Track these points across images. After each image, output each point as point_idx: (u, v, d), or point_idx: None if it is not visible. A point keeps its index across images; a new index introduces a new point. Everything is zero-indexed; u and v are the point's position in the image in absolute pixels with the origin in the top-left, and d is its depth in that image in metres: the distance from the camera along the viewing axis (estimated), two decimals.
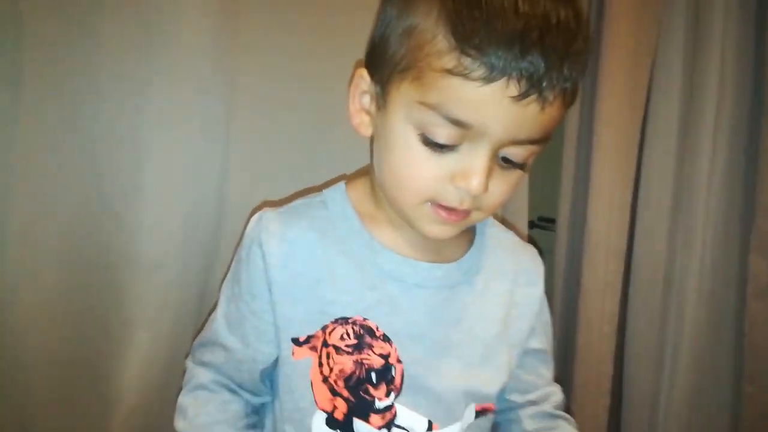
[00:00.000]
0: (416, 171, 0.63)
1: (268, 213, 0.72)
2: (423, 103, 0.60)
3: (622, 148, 1.50)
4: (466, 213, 0.65)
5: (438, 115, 0.59)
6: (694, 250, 1.49)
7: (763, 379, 1.48)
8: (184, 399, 0.75)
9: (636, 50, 1.42)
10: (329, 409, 0.68)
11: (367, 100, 0.68)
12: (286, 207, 0.74)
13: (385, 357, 0.68)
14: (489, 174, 0.61)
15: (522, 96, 0.57)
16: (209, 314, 0.75)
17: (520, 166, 0.64)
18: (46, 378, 0.81)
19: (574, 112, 1.53)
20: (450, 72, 0.57)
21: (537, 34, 0.56)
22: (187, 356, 0.78)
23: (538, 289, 0.81)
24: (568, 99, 0.62)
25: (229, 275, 0.74)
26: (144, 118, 0.86)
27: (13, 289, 0.78)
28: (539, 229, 1.68)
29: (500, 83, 0.57)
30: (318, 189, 0.75)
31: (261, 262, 0.68)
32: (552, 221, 1.67)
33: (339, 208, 0.72)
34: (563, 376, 1.60)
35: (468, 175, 0.61)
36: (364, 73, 0.68)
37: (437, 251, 0.73)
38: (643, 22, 1.42)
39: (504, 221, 1.47)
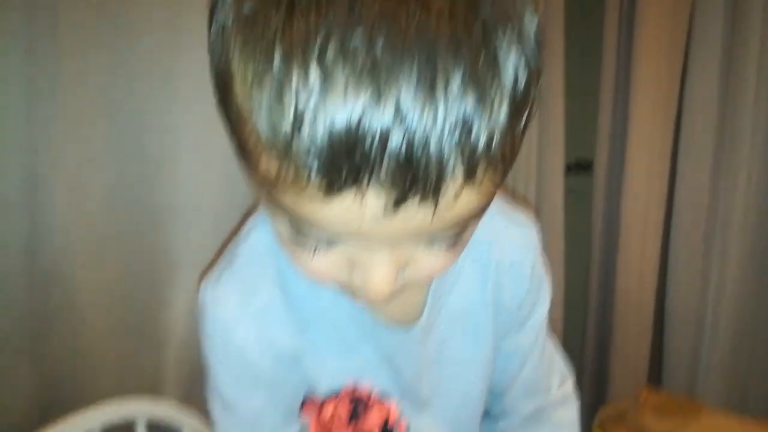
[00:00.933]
0: (302, 263, 0.44)
1: (212, 294, 0.53)
2: (272, 199, 0.39)
3: (663, 88, 1.46)
4: (387, 299, 0.44)
5: (295, 222, 0.40)
6: (737, 191, 1.46)
7: None
8: None
9: None
10: None
11: None
12: (228, 274, 0.54)
13: (385, 418, 0.58)
14: (397, 268, 0.42)
15: (391, 210, 0.35)
16: None
17: (453, 242, 0.42)
18: (101, 317, 0.84)
19: (611, 49, 1.49)
20: (276, 181, 0.36)
21: (392, 98, 0.32)
22: None
23: (524, 284, 0.61)
24: (490, 179, 0.37)
25: (210, 394, 0.58)
26: (181, 77, 0.87)
27: (67, 235, 0.81)
28: (576, 174, 1.65)
29: (349, 197, 0.35)
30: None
31: (238, 363, 0.54)
32: (590, 165, 1.65)
33: None
34: (602, 322, 1.60)
35: (365, 275, 0.42)
36: None
37: None
38: None
39: (539, 166, 1.47)
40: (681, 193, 1.51)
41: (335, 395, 0.57)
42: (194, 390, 0.95)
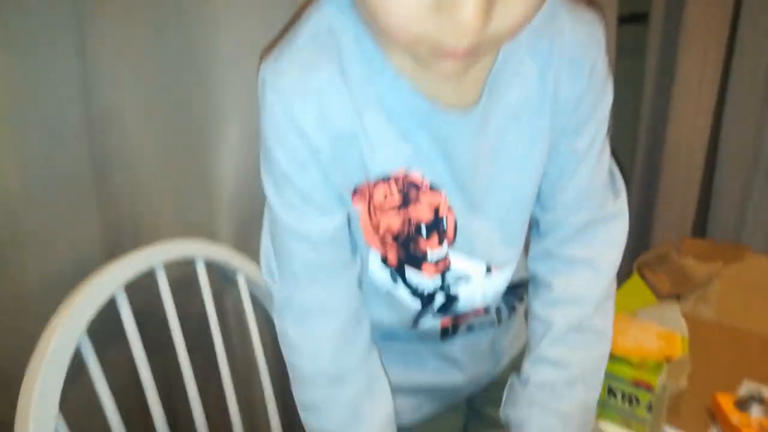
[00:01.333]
0: (387, 6, 0.44)
1: (273, 70, 0.55)
2: None
3: None
4: (473, 50, 0.45)
5: None
6: None
7: None
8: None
9: None
10: (382, 254, 0.64)
11: None
12: (289, 51, 0.55)
13: (435, 209, 0.60)
14: (488, 3, 0.41)
15: None
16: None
17: None
18: (156, 164, 0.89)
19: None
20: None
21: None
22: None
23: (581, 85, 0.60)
24: None
25: (265, 175, 0.60)
26: None
27: (119, 83, 0.84)
28: (630, 25, 1.57)
29: None
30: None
31: (295, 136, 0.55)
32: (644, 17, 1.56)
33: (352, 37, 0.54)
34: (650, 173, 1.59)
35: (455, 11, 0.41)
36: None
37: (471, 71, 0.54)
38: None
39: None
40: (742, 43, 1.43)
41: (388, 179, 0.58)
42: (246, 241, 1.01)
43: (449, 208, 0.61)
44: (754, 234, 1.47)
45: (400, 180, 0.58)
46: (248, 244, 1.01)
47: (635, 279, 0.96)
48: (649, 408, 0.71)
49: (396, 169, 0.58)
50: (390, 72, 0.54)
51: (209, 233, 0.97)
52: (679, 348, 0.74)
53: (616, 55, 1.42)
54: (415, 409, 0.79)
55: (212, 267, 0.92)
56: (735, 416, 0.69)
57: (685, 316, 0.86)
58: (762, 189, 1.45)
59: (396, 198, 0.59)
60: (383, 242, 0.63)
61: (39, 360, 0.64)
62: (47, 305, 0.71)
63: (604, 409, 0.75)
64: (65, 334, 0.67)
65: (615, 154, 0.69)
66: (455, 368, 0.78)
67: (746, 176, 1.46)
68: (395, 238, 0.62)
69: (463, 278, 0.66)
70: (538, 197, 0.67)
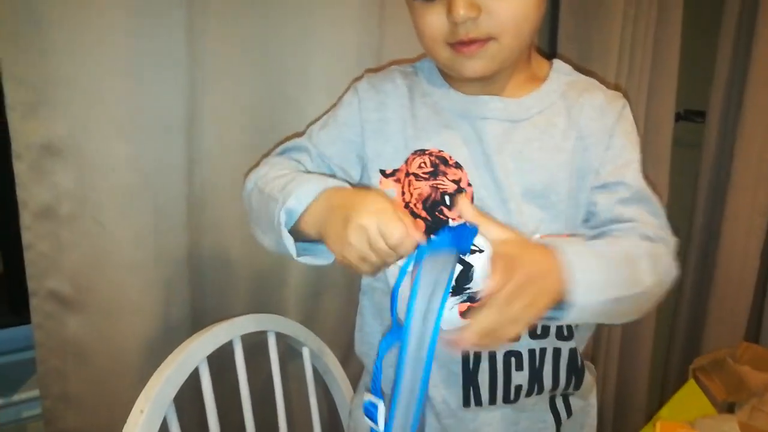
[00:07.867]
0: (423, 25, 0.71)
1: (368, 74, 0.85)
2: None
3: None
4: (480, 42, 0.69)
5: None
6: None
7: None
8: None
9: None
10: None
11: None
12: (384, 71, 0.85)
13: (457, 182, 0.75)
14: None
15: None
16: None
17: None
18: (242, 238, 0.94)
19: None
20: None
21: None
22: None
23: (608, 121, 0.77)
24: None
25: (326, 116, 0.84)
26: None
27: (216, 163, 0.92)
28: (686, 122, 1.61)
29: None
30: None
31: (357, 106, 0.80)
32: (700, 114, 1.60)
33: (426, 71, 0.81)
34: (704, 272, 1.59)
35: (451, 6, 0.66)
36: None
37: (509, 93, 0.77)
38: None
39: (648, 113, 1.45)
40: None
41: (424, 153, 0.76)
42: (312, 317, 1.07)
43: (468, 183, 0.75)
44: None
45: (434, 154, 0.75)
46: (314, 319, 1.06)
47: (691, 384, 0.97)
48: None
49: (431, 147, 0.76)
50: (446, 87, 0.79)
51: (280, 309, 1.03)
52: None
53: (673, 149, 1.46)
54: None
55: (281, 338, 0.97)
56: None
57: (740, 425, 0.86)
58: None
59: (428, 168, 0.75)
60: (412, 213, 0.75)
61: (133, 426, 0.70)
62: (142, 369, 0.77)
63: None
64: (157, 402, 0.72)
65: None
66: None
67: None
68: (424, 202, 0.75)
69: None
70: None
